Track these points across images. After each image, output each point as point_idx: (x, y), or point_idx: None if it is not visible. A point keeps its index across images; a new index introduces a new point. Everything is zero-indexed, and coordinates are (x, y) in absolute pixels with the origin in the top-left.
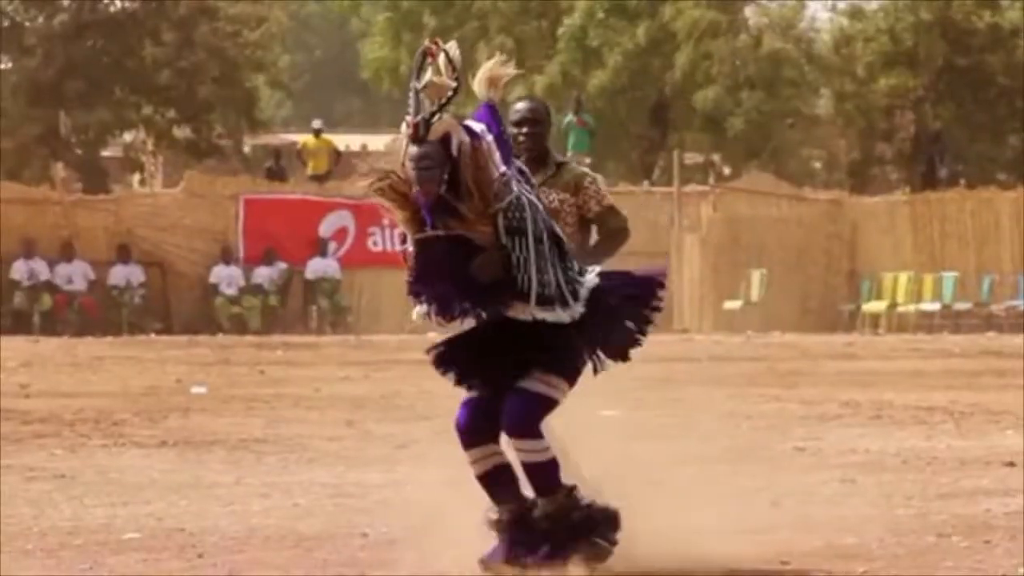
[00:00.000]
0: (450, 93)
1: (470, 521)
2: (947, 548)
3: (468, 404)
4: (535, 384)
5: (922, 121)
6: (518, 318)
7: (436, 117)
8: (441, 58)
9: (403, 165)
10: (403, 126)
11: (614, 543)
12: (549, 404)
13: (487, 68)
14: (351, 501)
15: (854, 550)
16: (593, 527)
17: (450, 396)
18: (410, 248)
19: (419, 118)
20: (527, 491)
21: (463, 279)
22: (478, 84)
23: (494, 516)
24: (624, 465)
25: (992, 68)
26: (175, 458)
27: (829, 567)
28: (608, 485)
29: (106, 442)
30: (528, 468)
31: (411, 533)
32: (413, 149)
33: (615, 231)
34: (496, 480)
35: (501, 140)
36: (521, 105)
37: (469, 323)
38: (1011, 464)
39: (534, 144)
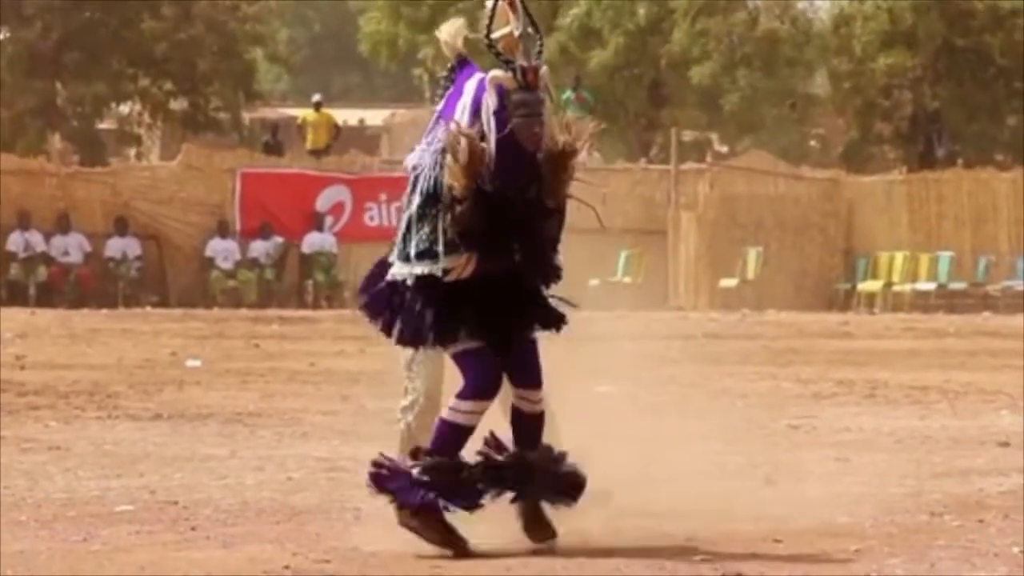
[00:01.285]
0: (540, 42)
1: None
2: (940, 527)
3: (483, 359)
4: (533, 334)
5: (920, 101)
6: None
7: (542, 66)
8: (520, 8)
9: (466, 123)
10: (477, 83)
11: (572, 504)
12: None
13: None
14: (345, 476)
15: (847, 528)
16: (562, 487)
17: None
18: (466, 202)
19: (535, 63)
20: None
21: (521, 242)
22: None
23: (446, 463)
24: (618, 442)
25: (991, 48)
26: (169, 431)
27: (822, 545)
28: (601, 461)
29: (100, 414)
30: (528, 418)
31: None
32: (526, 96)
33: None
34: (466, 437)
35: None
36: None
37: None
38: (1005, 444)
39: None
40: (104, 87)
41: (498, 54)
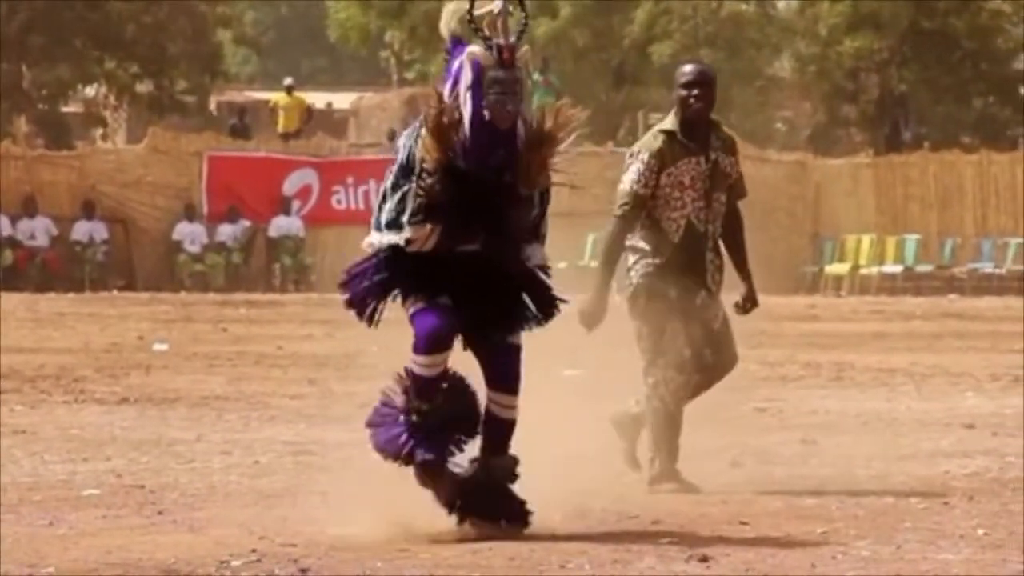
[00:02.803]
0: (523, 21)
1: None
2: (906, 509)
3: (439, 311)
4: (517, 337)
5: (886, 84)
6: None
7: (522, 45)
8: None
9: (446, 98)
10: (470, 53)
11: (525, 525)
12: (520, 353)
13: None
14: (312, 459)
15: (814, 511)
16: (516, 504)
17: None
18: (434, 177)
19: (512, 42)
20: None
21: (488, 222)
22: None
23: (427, 407)
24: (585, 425)
25: (957, 31)
26: (136, 415)
27: (789, 528)
28: (569, 444)
29: (67, 398)
30: (499, 423)
31: (371, 492)
32: (501, 74)
33: (735, 207)
34: (440, 380)
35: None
36: (690, 67)
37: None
38: (970, 426)
39: (706, 107)
40: (69, 70)
41: (478, 30)
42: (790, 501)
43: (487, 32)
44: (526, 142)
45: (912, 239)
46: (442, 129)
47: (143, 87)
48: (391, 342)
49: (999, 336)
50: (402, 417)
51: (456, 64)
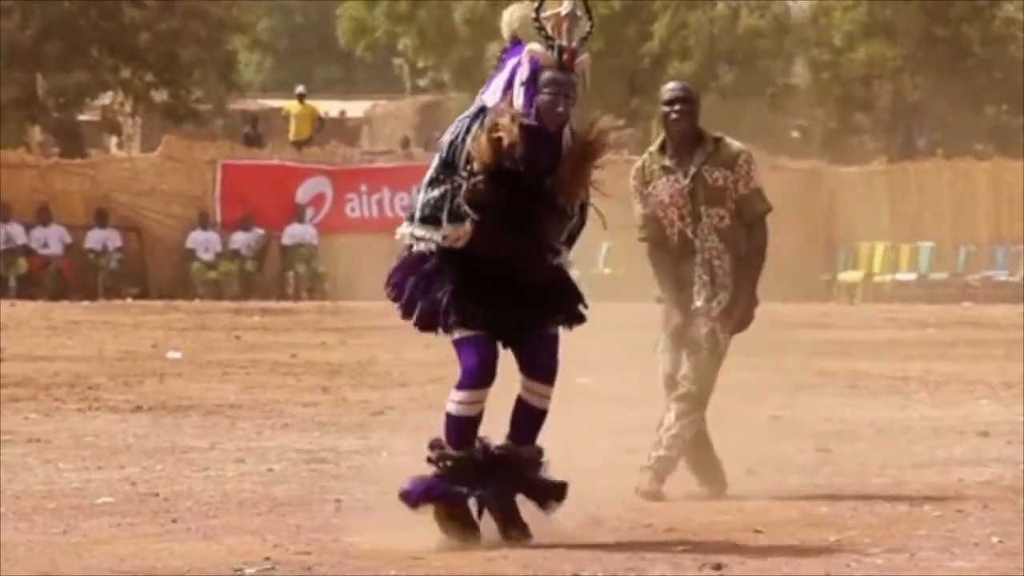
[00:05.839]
0: (588, 29)
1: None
2: (920, 517)
3: (480, 345)
4: (555, 328)
5: (900, 91)
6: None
7: (582, 51)
8: None
9: (500, 97)
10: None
11: (550, 511)
12: (558, 343)
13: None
14: (326, 467)
15: (828, 519)
16: (545, 492)
17: (425, 364)
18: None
19: (574, 46)
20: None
21: (523, 227)
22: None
23: (457, 456)
24: (598, 432)
25: (970, 39)
26: (150, 423)
27: (803, 535)
28: (580, 451)
29: (81, 406)
30: (531, 412)
31: (385, 500)
32: (558, 75)
33: (752, 224)
34: (476, 424)
35: None
36: (672, 84)
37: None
38: (984, 434)
39: (686, 123)
40: (84, 78)
41: (541, 29)
42: (804, 509)
43: (550, 32)
44: (569, 153)
45: (926, 247)
46: (504, 140)
47: (158, 95)
48: (402, 350)
49: (1013, 344)
50: (434, 469)
51: (513, 61)
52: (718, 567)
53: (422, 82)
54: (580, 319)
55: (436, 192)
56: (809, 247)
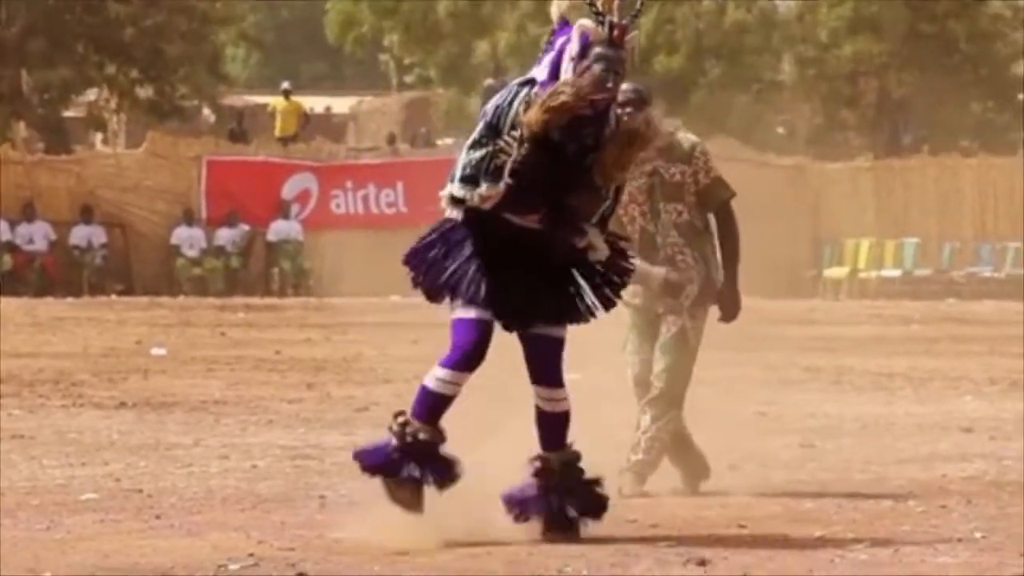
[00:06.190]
0: (639, 7)
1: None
2: (904, 512)
3: (477, 326)
4: (559, 329)
5: (886, 88)
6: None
7: (633, 29)
8: None
9: (547, 75)
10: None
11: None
12: (563, 347)
13: None
14: (310, 463)
15: (812, 514)
16: (587, 499)
17: (410, 360)
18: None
19: (625, 22)
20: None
21: (555, 199)
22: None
23: (420, 435)
24: (585, 429)
25: (956, 35)
26: (134, 419)
27: (787, 531)
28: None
29: (65, 403)
30: (552, 418)
31: (369, 496)
32: (608, 51)
33: (719, 212)
34: (448, 404)
35: None
36: (625, 86)
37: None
38: (968, 430)
39: None
40: (70, 74)
41: (591, 5)
42: (789, 504)
43: (600, 8)
44: (614, 135)
45: (911, 243)
46: (564, 104)
47: (143, 92)
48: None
49: (997, 340)
50: (394, 440)
51: (562, 39)
52: (702, 563)
53: (408, 78)
54: (608, 303)
55: (478, 153)
56: (794, 243)
